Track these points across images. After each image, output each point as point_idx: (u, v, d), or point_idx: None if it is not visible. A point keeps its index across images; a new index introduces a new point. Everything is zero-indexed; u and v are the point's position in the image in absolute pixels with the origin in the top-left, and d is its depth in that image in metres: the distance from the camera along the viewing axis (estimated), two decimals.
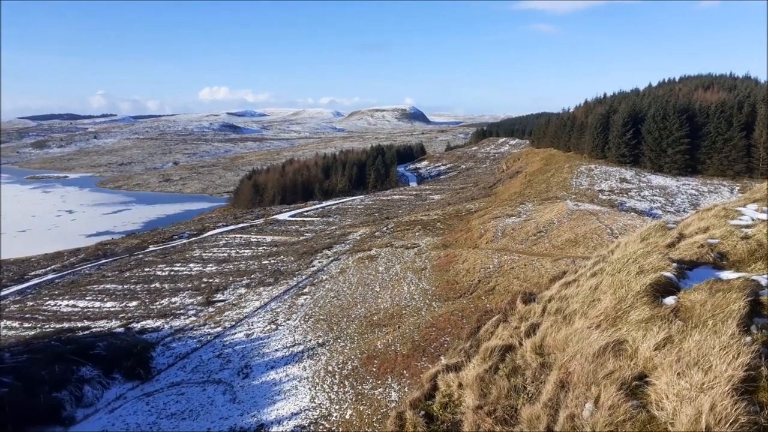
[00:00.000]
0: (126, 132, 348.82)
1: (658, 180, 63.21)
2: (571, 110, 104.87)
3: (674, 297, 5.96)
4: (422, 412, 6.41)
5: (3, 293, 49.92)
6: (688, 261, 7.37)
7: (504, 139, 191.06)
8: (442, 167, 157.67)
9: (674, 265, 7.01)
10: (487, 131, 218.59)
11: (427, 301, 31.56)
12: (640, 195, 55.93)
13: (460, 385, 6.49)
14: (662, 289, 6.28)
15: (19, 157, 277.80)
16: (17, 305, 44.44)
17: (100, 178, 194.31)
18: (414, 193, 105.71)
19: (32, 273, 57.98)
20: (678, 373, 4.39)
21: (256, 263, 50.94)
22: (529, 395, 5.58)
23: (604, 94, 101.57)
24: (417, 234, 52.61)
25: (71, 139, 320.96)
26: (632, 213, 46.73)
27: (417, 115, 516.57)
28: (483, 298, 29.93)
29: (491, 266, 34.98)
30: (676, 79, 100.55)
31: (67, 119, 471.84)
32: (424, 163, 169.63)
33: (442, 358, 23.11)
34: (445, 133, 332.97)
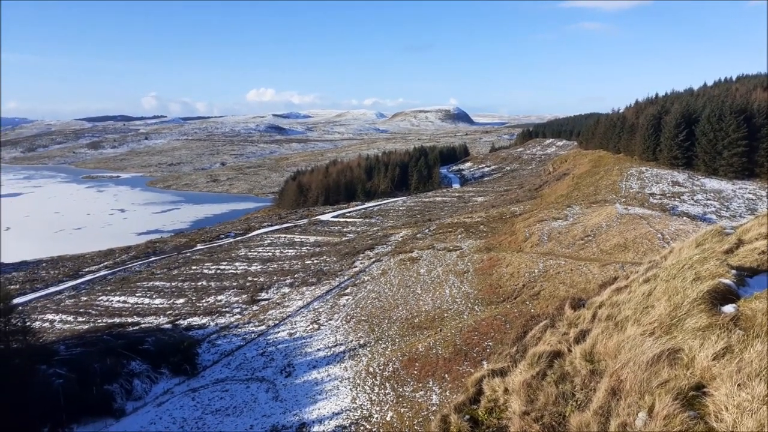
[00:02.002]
0: (175, 133, 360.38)
1: (713, 183, 60.65)
2: (621, 111, 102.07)
3: (733, 305, 5.71)
4: (467, 416, 6.35)
5: (59, 288, 52.34)
6: (747, 268, 7.05)
7: (551, 140, 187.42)
8: (486, 169, 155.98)
9: (733, 272, 6.72)
10: (533, 132, 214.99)
11: (470, 305, 31.26)
12: (693, 199, 53.79)
13: (506, 390, 6.40)
14: (720, 296, 6.03)
15: (75, 157, 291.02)
16: (72, 300, 46.48)
17: (151, 178, 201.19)
18: (457, 194, 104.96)
19: (86, 269, 60.55)
20: (738, 384, 4.20)
21: (299, 263, 51.66)
22: (578, 402, 5.45)
23: (656, 95, 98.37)
24: (459, 236, 52.21)
25: (124, 140, 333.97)
26: (684, 218, 45.03)
27: (461, 116, 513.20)
28: (527, 302, 29.42)
29: (536, 270, 34.35)
30: (733, 79, 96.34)
31: (121, 121, 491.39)
32: (468, 164, 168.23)
33: (484, 362, 22.87)
34: (489, 134, 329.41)
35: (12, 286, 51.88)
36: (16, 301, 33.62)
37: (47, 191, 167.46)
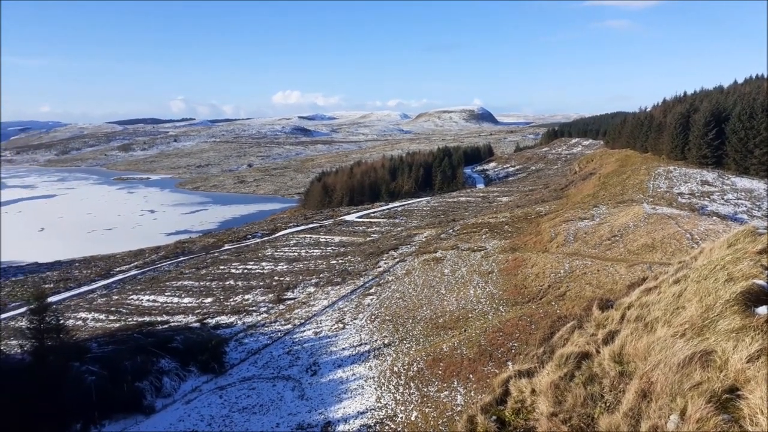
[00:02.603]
0: (204, 135, 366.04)
1: (744, 183, 58.98)
2: (649, 109, 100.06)
3: None
4: (494, 417, 6.32)
5: (91, 287, 53.66)
6: None
7: (576, 139, 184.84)
8: (511, 169, 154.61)
9: (767, 272, 6.55)
10: (558, 131, 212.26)
11: (494, 305, 31.05)
12: (723, 198, 52.38)
13: (533, 392, 6.36)
14: (754, 297, 5.89)
15: (106, 159, 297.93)
16: (104, 299, 47.61)
17: (180, 180, 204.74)
18: (481, 195, 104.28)
19: (117, 269, 61.95)
20: None
21: (324, 263, 51.99)
22: (607, 404, 5.39)
23: (684, 93, 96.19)
24: (484, 237, 51.87)
25: (153, 143, 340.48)
26: (714, 217, 43.89)
27: (485, 116, 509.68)
28: (553, 303, 29.07)
29: (562, 271, 33.92)
30: (765, 76, 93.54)
31: (150, 123, 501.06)
32: (492, 164, 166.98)
33: (509, 363, 22.69)
34: (514, 133, 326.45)
35: (47, 285, 53.45)
36: (50, 299, 34.58)
37: (80, 193, 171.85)
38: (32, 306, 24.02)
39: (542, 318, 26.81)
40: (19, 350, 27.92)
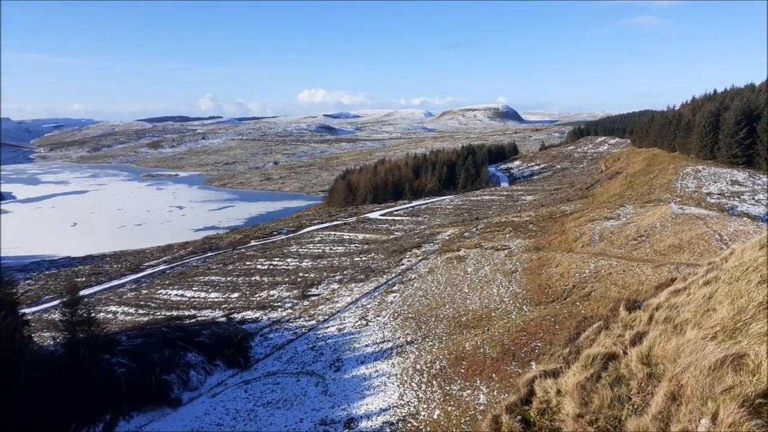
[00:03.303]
0: (231, 133, 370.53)
1: None
2: (677, 108, 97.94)
3: None
4: (518, 417, 6.30)
5: (121, 281, 54.88)
6: None
7: (603, 138, 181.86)
8: (536, 167, 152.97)
9: None
10: (584, 130, 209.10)
11: (518, 305, 30.80)
12: (753, 199, 50.94)
13: (558, 392, 6.31)
14: None
15: (136, 156, 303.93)
16: (133, 293, 48.64)
17: (207, 177, 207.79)
18: (505, 193, 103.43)
19: (146, 264, 63.21)
20: None
21: (348, 260, 52.23)
22: (635, 407, 5.32)
23: (714, 91, 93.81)
24: (507, 235, 51.47)
25: (182, 140, 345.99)
26: (744, 218, 42.72)
27: (510, 114, 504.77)
28: (577, 303, 28.70)
29: (587, 271, 33.46)
30: None
31: (179, 121, 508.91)
32: (517, 162, 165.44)
33: (533, 363, 22.51)
34: (539, 132, 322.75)
35: (79, 279, 54.86)
36: (82, 293, 35.43)
37: (111, 189, 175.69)
38: (65, 299, 24.69)
39: (567, 318, 26.51)
40: (51, 342, 28.72)
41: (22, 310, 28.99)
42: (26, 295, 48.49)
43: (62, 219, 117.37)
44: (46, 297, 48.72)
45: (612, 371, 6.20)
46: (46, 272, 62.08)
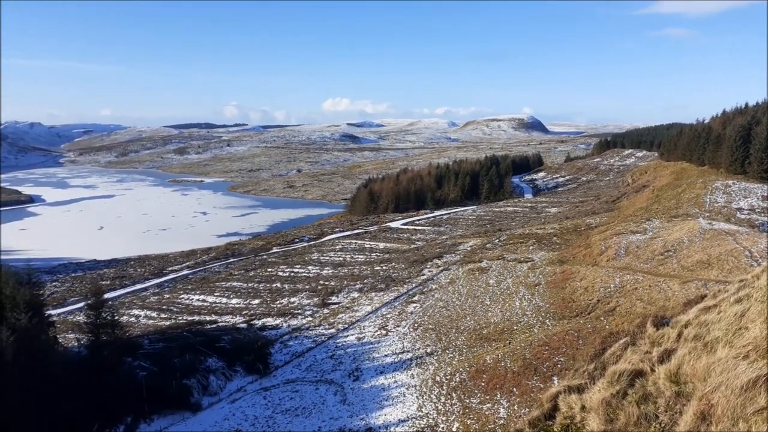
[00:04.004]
0: (255, 140, 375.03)
1: None
2: (707, 121, 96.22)
3: None
4: None
5: (145, 285, 55.75)
6: None
7: (630, 150, 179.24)
8: (561, 179, 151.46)
9: None
10: (611, 142, 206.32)
11: (540, 318, 30.40)
12: None
13: (583, 408, 6.19)
14: None
15: (163, 162, 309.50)
16: (156, 297, 49.34)
17: (231, 183, 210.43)
18: (529, 205, 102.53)
19: (170, 268, 64.13)
20: None
21: (368, 269, 52.24)
22: (662, 425, 5.19)
23: (746, 104, 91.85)
24: (531, 248, 50.94)
25: (207, 147, 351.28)
26: None
27: (535, 125, 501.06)
28: (602, 318, 28.22)
29: (612, 286, 32.90)
30: None
31: (205, 128, 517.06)
32: (541, 174, 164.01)
33: (555, 378, 22.15)
34: (564, 143, 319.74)
35: (104, 282, 55.90)
36: (106, 296, 36.06)
37: (137, 194, 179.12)
38: (90, 301, 25.16)
39: (590, 333, 26.07)
40: (76, 343, 29.25)
41: (49, 312, 29.62)
42: (52, 296, 49.57)
43: (89, 222, 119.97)
44: (72, 299, 49.71)
45: (639, 388, 6.06)
46: (72, 275, 63.41)
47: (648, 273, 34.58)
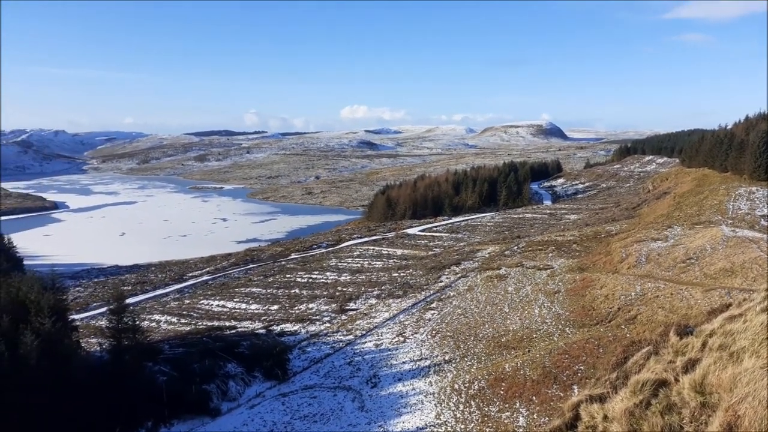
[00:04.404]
0: (274, 148, 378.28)
1: None
2: (729, 127, 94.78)
3: None
4: None
5: (166, 291, 56.41)
6: None
7: (650, 156, 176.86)
8: (580, 185, 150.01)
9: None
10: (631, 148, 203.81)
11: (560, 326, 30.09)
12: None
13: (605, 418, 6.11)
14: None
15: (183, 169, 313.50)
16: (176, 302, 49.86)
17: (251, 190, 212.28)
18: (548, 212, 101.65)
19: (190, 274, 64.82)
20: None
21: (386, 275, 52.22)
22: None
23: None
24: (550, 255, 50.48)
25: (227, 154, 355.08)
26: None
27: (554, 131, 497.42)
28: (623, 327, 27.85)
29: (633, 293, 32.46)
30: None
31: (225, 135, 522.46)
32: (560, 180, 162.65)
33: (575, 387, 21.91)
34: (584, 149, 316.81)
35: (125, 288, 56.62)
36: (128, 301, 36.57)
37: (158, 200, 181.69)
38: (112, 307, 25.57)
39: (611, 342, 25.75)
40: (98, 348, 29.68)
41: (72, 316, 30.07)
42: (75, 301, 50.36)
43: (111, 228, 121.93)
44: (94, 304, 50.48)
45: (663, 398, 5.97)
46: (95, 280, 64.43)
47: (669, 281, 34.06)
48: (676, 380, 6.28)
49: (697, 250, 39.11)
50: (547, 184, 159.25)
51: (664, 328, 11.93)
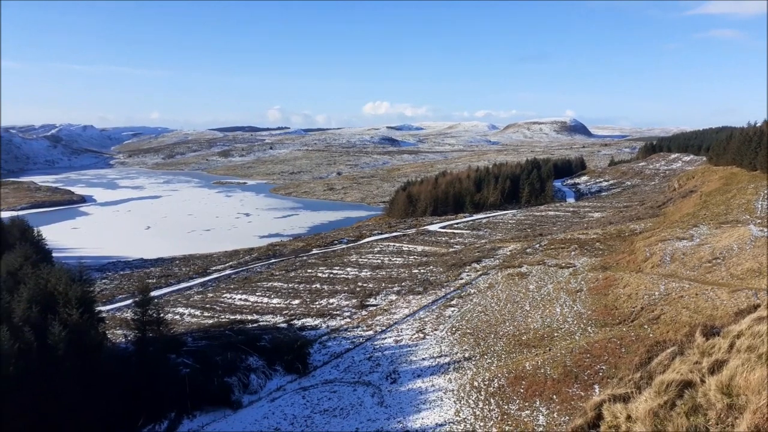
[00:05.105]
0: (297, 144, 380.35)
1: None
2: (758, 124, 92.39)
3: None
4: None
5: (189, 284, 57.25)
6: None
7: (676, 154, 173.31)
8: (604, 183, 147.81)
9: None
10: (656, 146, 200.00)
11: (582, 325, 29.76)
12: None
13: (628, 418, 6.04)
14: None
15: (207, 164, 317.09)
16: (200, 296, 50.57)
17: (273, 185, 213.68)
18: (571, 209, 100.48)
19: (213, 268, 65.67)
20: None
21: (406, 271, 52.22)
22: None
23: None
24: (573, 253, 49.91)
25: (251, 149, 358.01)
26: None
27: (577, 128, 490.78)
28: (646, 327, 27.44)
29: (656, 293, 31.93)
30: None
31: (248, 131, 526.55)
32: (584, 178, 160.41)
33: (596, 386, 21.68)
34: (608, 147, 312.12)
35: (150, 280, 57.66)
36: (152, 294, 37.25)
37: (182, 195, 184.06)
38: (137, 299, 26.05)
39: (634, 341, 25.41)
40: (123, 339, 30.27)
41: (98, 308, 30.70)
42: (102, 293, 51.38)
43: (137, 222, 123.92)
44: (120, 296, 51.48)
45: (688, 399, 5.88)
46: (121, 273, 65.67)
47: (694, 281, 33.44)
48: (702, 381, 6.18)
49: (724, 250, 38.27)
50: (570, 181, 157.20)
51: (689, 328, 11.74)
